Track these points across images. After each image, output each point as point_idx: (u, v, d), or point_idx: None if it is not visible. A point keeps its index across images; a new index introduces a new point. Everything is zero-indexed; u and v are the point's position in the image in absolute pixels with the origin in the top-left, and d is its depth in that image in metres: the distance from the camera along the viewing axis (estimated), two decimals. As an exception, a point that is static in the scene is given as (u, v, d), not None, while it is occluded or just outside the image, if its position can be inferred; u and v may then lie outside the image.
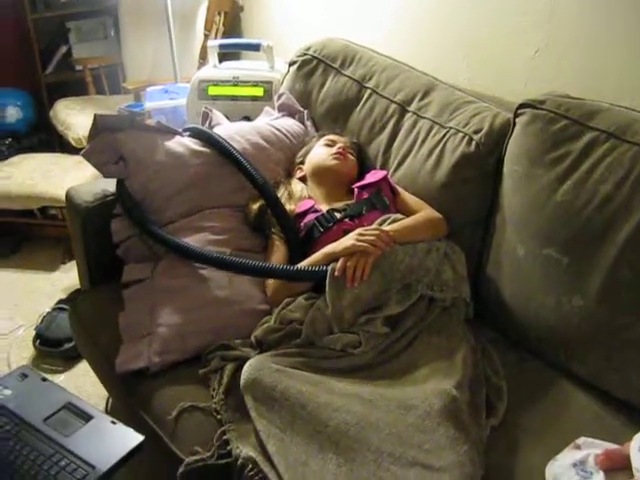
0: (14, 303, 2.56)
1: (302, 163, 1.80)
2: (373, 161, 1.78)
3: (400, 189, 1.66)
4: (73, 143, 2.90)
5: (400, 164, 1.70)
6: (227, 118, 2.17)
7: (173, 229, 1.63)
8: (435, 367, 1.33)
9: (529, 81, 1.74)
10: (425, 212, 1.58)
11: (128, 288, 1.60)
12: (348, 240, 1.44)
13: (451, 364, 1.32)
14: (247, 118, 2.20)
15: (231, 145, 1.69)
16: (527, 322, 1.47)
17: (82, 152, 1.67)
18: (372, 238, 1.42)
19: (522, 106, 1.45)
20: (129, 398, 1.47)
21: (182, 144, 1.71)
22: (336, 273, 1.41)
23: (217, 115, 1.89)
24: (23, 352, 2.31)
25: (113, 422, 1.21)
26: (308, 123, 1.95)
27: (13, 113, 3.49)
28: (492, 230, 1.55)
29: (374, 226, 1.48)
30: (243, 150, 1.74)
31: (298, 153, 1.83)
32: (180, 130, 1.77)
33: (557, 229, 1.33)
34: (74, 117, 2.98)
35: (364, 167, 1.79)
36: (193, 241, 1.58)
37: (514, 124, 1.47)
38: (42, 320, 2.34)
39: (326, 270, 1.42)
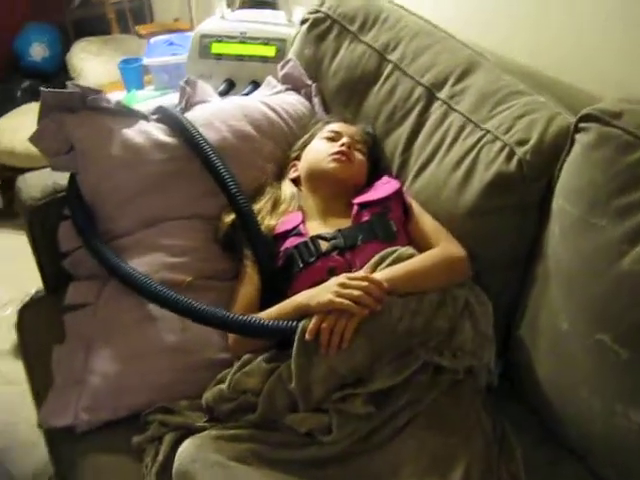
0: (11, 273, 2.34)
1: (298, 159, 1.41)
2: (389, 160, 1.37)
3: (416, 208, 1.26)
4: (84, 92, 2.58)
5: (421, 170, 1.29)
6: (232, 84, 1.81)
7: (123, 245, 1.30)
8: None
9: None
10: (443, 247, 1.17)
11: (71, 312, 1.30)
12: (326, 292, 1.07)
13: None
14: (255, 83, 1.81)
15: (200, 135, 1.31)
16: (567, 417, 1.07)
17: (30, 137, 1.35)
18: (357, 293, 1.05)
19: (586, 118, 0.99)
20: (53, 460, 1.20)
21: (145, 132, 1.35)
22: (307, 336, 1.04)
23: (202, 90, 1.50)
24: (10, 334, 2.09)
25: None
26: (316, 100, 1.54)
27: (39, 50, 3.20)
28: (531, 281, 1.13)
29: (362, 273, 1.09)
30: (222, 141, 1.36)
31: (295, 144, 1.44)
32: (147, 113, 1.41)
33: (618, 309, 0.91)
34: (88, 62, 2.67)
35: (378, 167, 1.39)
36: (144, 264, 1.24)
37: (572, 141, 1.03)
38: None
39: (294, 328, 1.06)
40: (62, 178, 1.39)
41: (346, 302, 1.04)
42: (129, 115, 1.38)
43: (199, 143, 1.30)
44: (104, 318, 1.24)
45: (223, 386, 1.12)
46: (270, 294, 1.21)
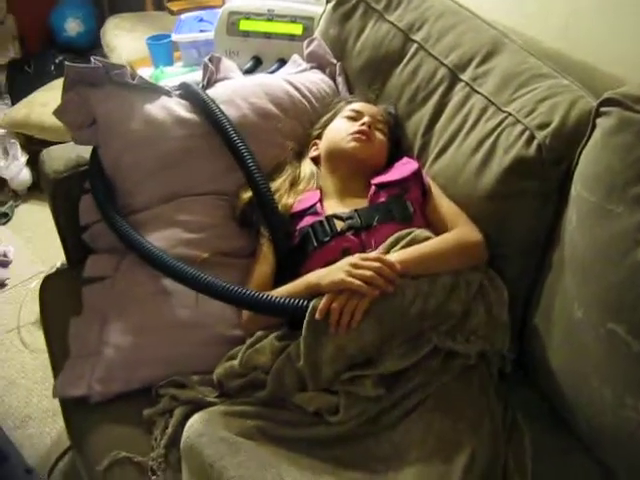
0: (41, 248, 2.39)
1: (319, 137, 1.40)
2: (411, 142, 1.35)
3: (435, 190, 1.24)
4: (117, 69, 2.60)
5: (441, 153, 1.27)
6: (259, 61, 1.80)
7: (141, 220, 1.31)
8: (427, 469, 0.96)
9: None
10: (460, 231, 1.16)
11: (89, 285, 1.32)
12: (337, 272, 1.06)
13: (448, 470, 0.95)
14: (282, 61, 1.79)
15: (221, 112, 1.31)
16: (578, 407, 1.06)
17: (54, 110, 1.37)
18: (369, 273, 1.04)
19: (607, 102, 0.96)
20: (68, 429, 1.23)
21: (166, 108, 1.36)
22: (317, 315, 1.04)
23: (226, 66, 1.50)
24: (36, 306, 2.14)
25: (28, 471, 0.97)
26: (340, 79, 1.52)
27: (74, 26, 3.24)
28: (547, 268, 1.11)
29: (375, 253, 1.08)
30: (242, 118, 1.36)
31: (317, 123, 1.43)
32: (170, 89, 1.42)
33: (632, 300, 0.88)
34: (121, 38, 2.67)
35: (399, 148, 1.37)
36: (161, 239, 1.26)
37: (593, 125, 1.00)
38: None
39: (305, 307, 1.06)
40: (85, 151, 1.41)
41: (357, 282, 1.03)
42: (152, 91, 1.39)
43: (219, 120, 1.30)
44: (120, 291, 1.25)
45: (234, 362, 1.13)
46: (284, 272, 1.21)
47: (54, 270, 1.54)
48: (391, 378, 1.07)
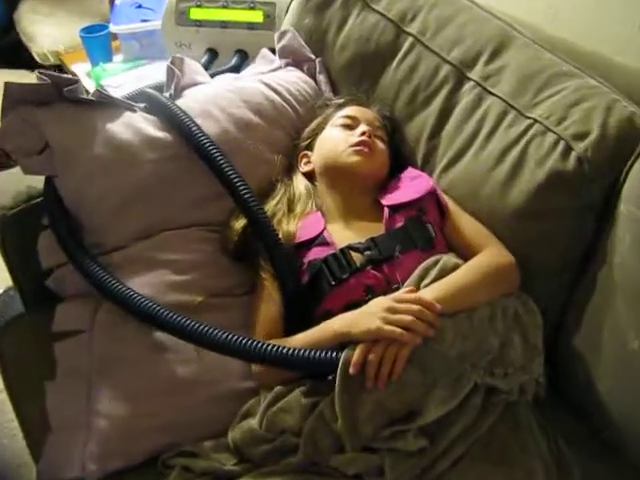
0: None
1: (309, 148, 1.25)
2: (412, 148, 1.22)
3: (453, 207, 1.12)
4: (38, 59, 2.32)
5: (453, 162, 1.14)
6: (215, 54, 1.61)
7: (117, 261, 1.13)
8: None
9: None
10: (490, 254, 1.04)
11: (61, 340, 1.13)
12: (371, 318, 0.93)
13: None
14: (242, 53, 1.62)
15: (199, 128, 1.13)
16: (630, 434, 0.99)
17: (-6, 134, 1.15)
18: (408, 319, 0.92)
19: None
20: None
21: (133, 127, 1.17)
22: (351, 370, 0.91)
23: (190, 68, 1.31)
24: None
25: None
26: (321, 77, 1.36)
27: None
28: (588, 289, 1.02)
29: (412, 295, 0.96)
30: (223, 132, 1.19)
31: (304, 131, 1.27)
32: (130, 101, 1.22)
33: None
34: (38, 25, 2.38)
35: (399, 155, 1.23)
36: (146, 285, 1.08)
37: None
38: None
39: (336, 360, 0.93)
40: (37, 181, 1.21)
41: (398, 330, 0.91)
42: (112, 106, 1.19)
43: (198, 138, 1.12)
44: (103, 349, 1.08)
45: (253, 423, 0.99)
46: (294, 313, 1.07)
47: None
48: (433, 426, 0.96)
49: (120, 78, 1.69)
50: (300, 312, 1.07)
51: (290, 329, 1.06)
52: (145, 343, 1.06)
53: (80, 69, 1.81)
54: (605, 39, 1.21)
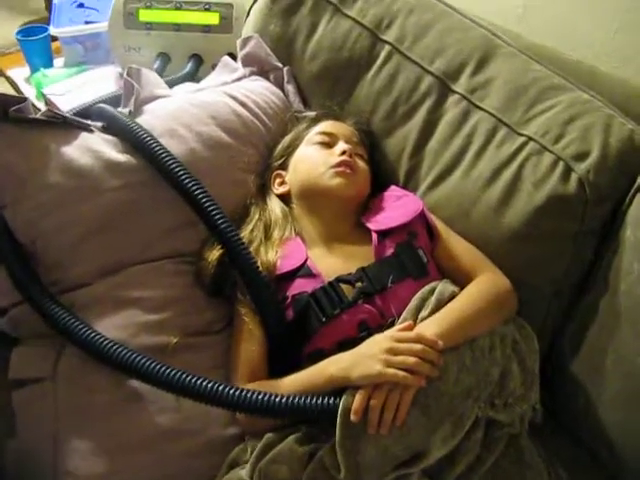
0: None
1: (283, 167, 1.16)
2: (393, 165, 1.15)
3: (442, 228, 1.06)
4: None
5: (440, 180, 1.08)
6: (167, 59, 1.50)
7: (81, 300, 1.01)
8: None
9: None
10: (487, 280, 0.99)
11: (20, 388, 1.02)
12: (370, 361, 0.86)
13: None
14: (197, 58, 1.52)
15: (164, 149, 1.03)
16: (635, 462, 0.95)
17: None
18: (411, 360, 0.85)
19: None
20: None
21: (91, 150, 1.05)
22: (352, 417, 0.84)
23: (149, 79, 1.19)
24: None
25: None
26: (289, 87, 1.27)
27: None
28: (588, 313, 0.98)
29: (413, 333, 0.89)
30: (190, 153, 1.09)
31: (276, 148, 1.18)
32: (86, 121, 1.10)
33: None
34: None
35: (378, 172, 1.16)
36: (115, 327, 0.98)
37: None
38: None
39: (334, 406, 0.86)
40: (-19, 210, 1.08)
41: (401, 373, 0.85)
42: (65, 127, 1.07)
43: (165, 161, 1.02)
44: (69, 399, 0.97)
45: (243, 474, 0.91)
46: (278, 351, 1.00)
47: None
48: (435, 466, 0.91)
49: (63, 85, 1.55)
50: (285, 351, 0.99)
51: (274, 369, 0.99)
52: (117, 392, 0.96)
53: (17, 74, 1.66)
54: (582, 45, 1.19)
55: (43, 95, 1.56)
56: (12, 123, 1.03)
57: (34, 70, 1.63)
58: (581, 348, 1.00)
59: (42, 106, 1.54)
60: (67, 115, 1.08)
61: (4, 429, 0.99)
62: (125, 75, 1.16)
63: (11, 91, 1.65)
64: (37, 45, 1.62)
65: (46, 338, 1.02)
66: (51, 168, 1.02)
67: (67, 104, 1.47)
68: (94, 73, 1.61)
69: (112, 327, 0.98)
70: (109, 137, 1.08)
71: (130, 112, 1.12)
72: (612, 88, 1.07)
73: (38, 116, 1.05)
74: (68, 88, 1.55)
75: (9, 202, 1.02)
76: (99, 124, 1.10)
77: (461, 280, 1.00)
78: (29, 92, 1.61)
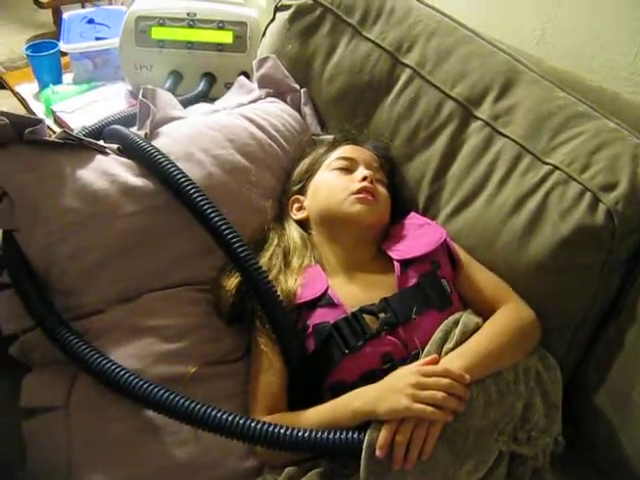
0: None
1: (301, 192, 1.14)
2: (413, 191, 1.14)
3: (465, 257, 1.04)
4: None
5: (462, 207, 1.06)
6: (179, 77, 1.48)
7: (96, 327, 0.99)
8: None
9: None
10: (511, 311, 0.97)
11: (31, 417, 0.99)
12: (397, 395, 0.84)
13: None
14: (210, 76, 1.50)
15: (184, 175, 1.01)
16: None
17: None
18: (440, 395, 0.83)
19: None
20: None
21: (107, 174, 1.03)
22: (378, 453, 0.82)
23: (163, 101, 1.17)
24: None
25: None
26: (307, 110, 1.26)
27: None
28: (614, 347, 0.96)
29: (440, 367, 0.87)
30: (208, 178, 1.07)
31: (294, 172, 1.16)
32: (102, 142, 1.08)
33: None
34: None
35: (396, 198, 1.14)
36: (131, 357, 0.96)
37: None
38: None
39: (359, 441, 0.84)
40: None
41: (429, 409, 0.82)
42: (80, 149, 1.05)
43: (184, 186, 1.00)
44: (83, 431, 0.94)
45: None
46: (299, 383, 0.98)
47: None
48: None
49: (73, 102, 1.54)
50: (306, 382, 0.97)
51: (294, 401, 0.97)
52: (132, 423, 0.93)
53: (26, 90, 1.64)
54: (602, 68, 1.18)
55: (52, 112, 1.54)
56: (27, 145, 1.01)
57: (43, 86, 1.61)
58: (606, 378, 0.98)
59: (52, 123, 1.52)
60: (82, 137, 1.06)
61: (15, 459, 0.97)
62: (140, 96, 1.14)
63: (20, 107, 1.63)
64: (47, 61, 1.60)
65: (59, 365, 1.00)
66: (66, 192, 1.00)
67: (77, 122, 1.46)
68: (103, 91, 1.60)
69: (127, 356, 0.96)
70: (125, 160, 1.06)
71: (146, 134, 1.10)
72: (636, 116, 1.06)
73: (53, 138, 1.03)
74: (78, 105, 1.54)
75: (23, 226, 1.00)
76: (114, 146, 1.08)
77: (484, 310, 0.99)
78: (38, 109, 1.59)
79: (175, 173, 1.01)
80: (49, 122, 1.53)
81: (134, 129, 1.15)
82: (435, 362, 0.89)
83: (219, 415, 0.87)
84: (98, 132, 1.19)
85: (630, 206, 0.90)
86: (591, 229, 0.91)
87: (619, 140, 0.96)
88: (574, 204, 0.93)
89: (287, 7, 1.26)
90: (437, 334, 0.93)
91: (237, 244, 0.97)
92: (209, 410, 0.87)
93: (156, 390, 0.89)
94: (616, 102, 1.09)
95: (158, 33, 1.48)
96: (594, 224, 0.91)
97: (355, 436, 0.84)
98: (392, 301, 0.96)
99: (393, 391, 0.85)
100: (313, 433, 0.85)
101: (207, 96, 1.46)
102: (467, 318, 0.95)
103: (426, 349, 0.92)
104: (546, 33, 1.31)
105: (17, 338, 1.03)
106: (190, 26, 1.47)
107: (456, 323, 0.94)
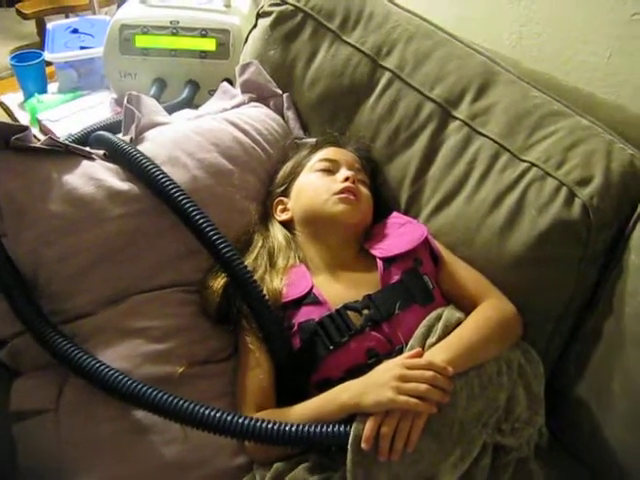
0: None
1: (285, 194, 1.16)
2: (395, 191, 1.16)
3: (446, 254, 1.06)
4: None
5: (442, 206, 1.09)
6: (163, 84, 1.50)
7: (84, 330, 1.00)
8: None
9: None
10: (493, 306, 0.99)
11: (22, 421, 1.00)
12: (382, 389, 0.86)
13: None
14: (194, 84, 1.52)
15: (168, 178, 1.02)
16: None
17: None
18: (423, 387, 0.85)
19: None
20: None
21: (93, 179, 1.05)
22: (363, 445, 0.84)
23: (148, 107, 1.19)
24: None
25: None
26: (289, 114, 1.28)
27: None
28: (592, 337, 0.99)
29: (424, 360, 0.89)
30: (193, 181, 1.09)
31: (277, 175, 1.18)
32: (87, 148, 1.10)
33: None
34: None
35: (379, 198, 1.17)
36: (119, 358, 0.97)
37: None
38: None
39: (345, 434, 0.85)
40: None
41: (412, 400, 0.84)
42: (66, 155, 1.06)
43: (169, 189, 1.02)
44: (73, 432, 0.95)
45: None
46: (285, 380, 0.99)
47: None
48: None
49: (58, 111, 1.55)
50: (292, 379, 0.98)
51: (281, 398, 0.98)
52: (122, 423, 0.94)
53: (11, 100, 1.65)
54: (577, 70, 1.20)
55: (38, 121, 1.55)
56: (13, 152, 1.02)
57: (28, 96, 1.62)
58: (586, 371, 1.01)
59: (37, 132, 1.54)
60: (68, 143, 1.07)
61: (5, 462, 0.97)
62: (125, 102, 1.16)
63: (5, 117, 1.64)
64: (32, 71, 1.62)
65: (48, 369, 1.01)
66: (53, 197, 1.02)
67: (62, 130, 1.47)
68: (89, 99, 1.61)
69: (116, 357, 0.97)
70: (111, 165, 1.08)
71: (131, 139, 1.12)
72: (610, 114, 1.09)
73: (39, 144, 1.04)
74: (63, 114, 1.55)
75: (10, 231, 1.01)
76: (100, 152, 1.10)
77: (466, 305, 1.01)
78: (23, 118, 1.60)
79: (160, 177, 1.02)
80: (35, 131, 1.54)
81: (120, 135, 1.16)
82: (419, 356, 0.90)
83: (208, 412, 0.88)
84: (84, 139, 1.20)
85: (604, 200, 0.92)
86: (568, 223, 0.94)
87: (593, 137, 0.98)
88: (551, 199, 0.96)
89: (269, 14, 1.28)
90: (420, 329, 0.95)
91: (222, 245, 0.99)
92: (198, 407, 0.88)
93: (145, 389, 0.90)
94: (591, 101, 1.12)
95: (142, 41, 1.50)
96: (570, 218, 0.94)
97: (342, 429, 0.86)
98: (375, 298, 0.98)
99: (378, 384, 0.87)
100: (300, 427, 0.86)
101: (191, 103, 1.48)
102: (449, 313, 0.97)
103: (409, 344, 0.93)
104: (523, 36, 1.34)
105: (6, 344, 1.04)
106: (173, 34, 1.49)
107: (438, 318, 0.96)
